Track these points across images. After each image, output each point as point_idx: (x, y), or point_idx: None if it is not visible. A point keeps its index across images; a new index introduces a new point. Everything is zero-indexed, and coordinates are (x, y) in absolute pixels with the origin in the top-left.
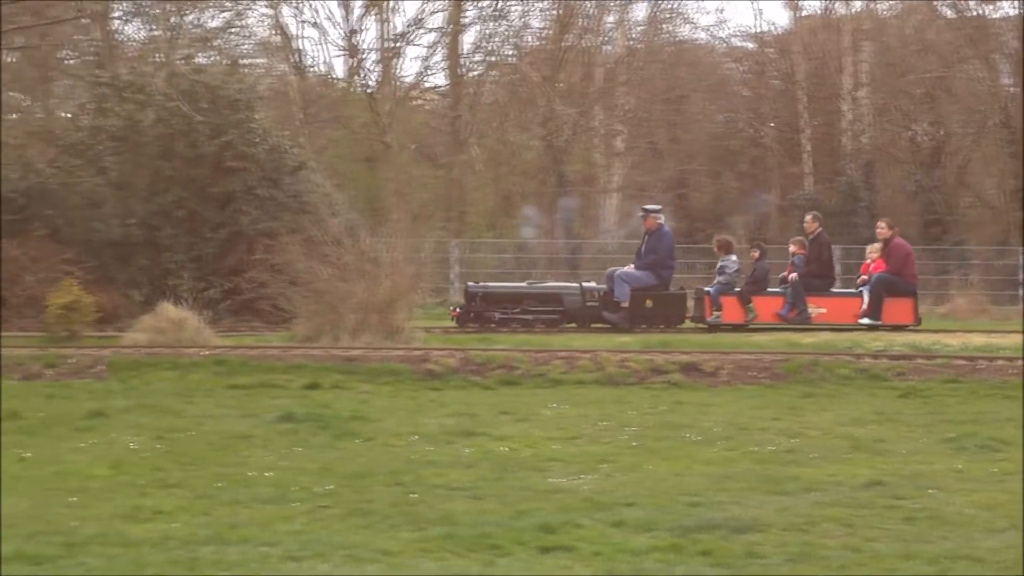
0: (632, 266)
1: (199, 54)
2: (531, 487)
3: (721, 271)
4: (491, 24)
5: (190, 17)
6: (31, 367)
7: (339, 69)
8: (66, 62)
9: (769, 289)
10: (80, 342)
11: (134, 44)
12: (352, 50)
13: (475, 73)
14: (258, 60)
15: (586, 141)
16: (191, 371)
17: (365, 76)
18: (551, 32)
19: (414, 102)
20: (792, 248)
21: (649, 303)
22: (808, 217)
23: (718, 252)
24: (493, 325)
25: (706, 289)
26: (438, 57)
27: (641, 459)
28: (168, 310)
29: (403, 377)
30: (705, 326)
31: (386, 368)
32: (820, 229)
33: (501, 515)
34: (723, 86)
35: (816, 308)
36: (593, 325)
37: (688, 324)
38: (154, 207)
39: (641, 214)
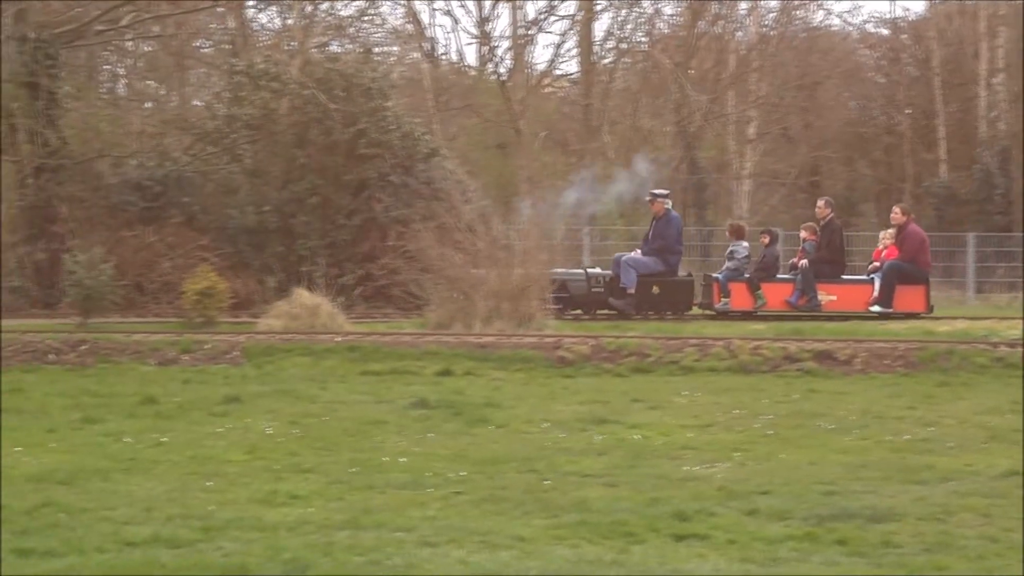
0: (639, 251)
1: (333, 42)
2: (664, 475)
3: (730, 256)
4: (623, 11)
5: (324, 5)
6: (167, 353)
7: (471, 57)
8: (201, 50)
9: (779, 276)
10: (215, 328)
11: (268, 32)
12: (484, 38)
13: (607, 60)
14: (391, 48)
15: (718, 127)
16: (325, 357)
17: (497, 64)
18: (683, 19)
19: (546, 89)
20: (803, 234)
21: (656, 289)
22: (820, 202)
23: (730, 237)
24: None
25: (714, 275)
26: (570, 44)
27: (775, 447)
28: (302, 296)
29: (535, 364)
30: (713, 313)
31: (518, 355)
32: (832, 215)
33: (635, 502)
34: (857, 72)
35: (826, 295)
36: (599, 312)
37: (696, 311)
38: (288, 194)
39: (648, 199)
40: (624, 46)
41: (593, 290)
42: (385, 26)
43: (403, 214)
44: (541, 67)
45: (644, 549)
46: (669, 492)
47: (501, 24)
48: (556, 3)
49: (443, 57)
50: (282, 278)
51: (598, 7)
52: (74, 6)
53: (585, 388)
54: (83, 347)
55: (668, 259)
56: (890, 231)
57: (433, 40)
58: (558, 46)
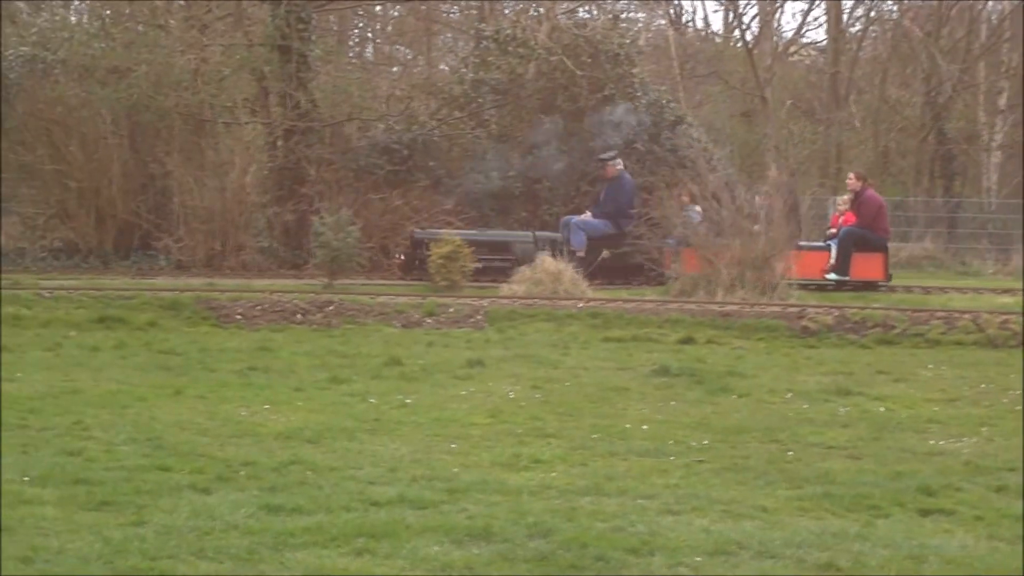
0: (589, 213)
1: (580, 8)
2: (909, 448)
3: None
4: None
5: None
6: (412, 315)
7: (717, 23)
8: (448, 15)
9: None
10: (459, 292)
11: None
12: (731, 4)
13: (855, 28)
14: (637, 15)
15: (968, 98)
16: (567, 323)
17: (744, 31)
18: None
19: (792, 57)
20: (759, 200)
21: (607, 253)
22: (852, 176)
23: (683, 202)
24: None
25: (667, 241)
26: (818, 12)
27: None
28: (546, 262)
29: (778, 333)
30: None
31: (761, 324)
32: (861, 185)
33: (879, 476)
34: None
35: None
36: None
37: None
38: (534, 160)
39: (598, 162)
40: (873, 14)
41: (540, 252)
42: None
43: (648, 181)
44: (788, 35)
45: (889, 523)
46: (914, 466)
47: None
48: None
49: (689, 24)
50: None
51: None
52: None
53: (829, 359)
54: (329, 308)
55: (620, 222)
56: (846, 196)
57: (679, 7)
58: (805, 13)
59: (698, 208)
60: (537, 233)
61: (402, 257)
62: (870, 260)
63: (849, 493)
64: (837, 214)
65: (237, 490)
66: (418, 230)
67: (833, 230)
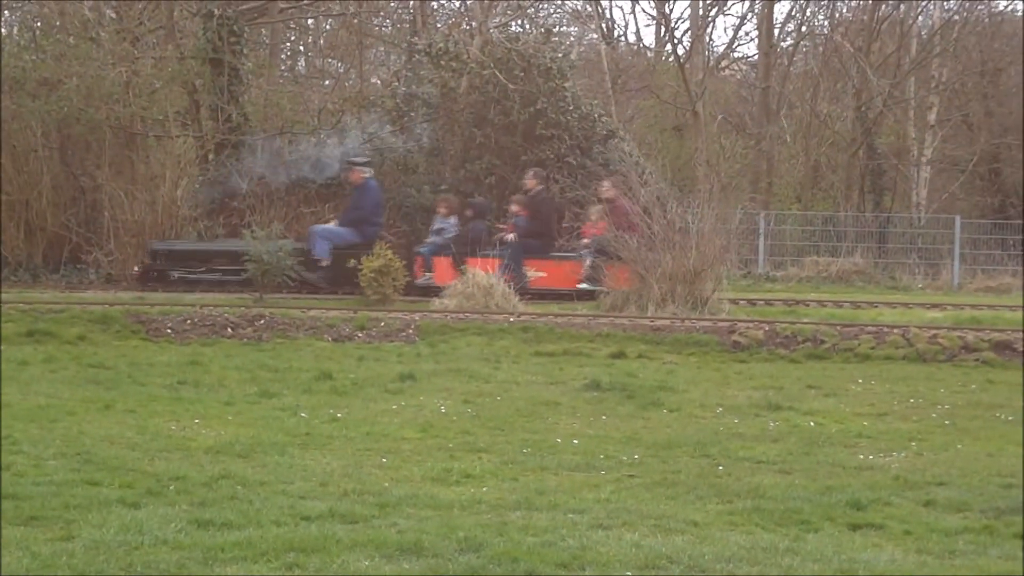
0: (335, 222)
1: (512, 22)
2: (839, 463)
3: (438, 232)
4: None
5: None
6: (343, 329)
7: (649, 38)
8: (381, 29)
9: (489, 251)
10: (391, 306)
11: (447, 12)
12: (663, 19)
13: (787, 43)
14: (570, 29)
15: (898, 113)
16: (498, 337)
17: (675, 45)
18: (865, 2)
19: (724, 72)
20: (513, 208)
21: (352, 262)
22: (528, 174)
23: (440, 213)
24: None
25: (419, 249)
26: (749, 27)
27: (952, 438)
28: (477, 276)
29: (709, 348)
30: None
31: (692, 339)
32: (541, 187)
33: (809, 490)
34: None
35: (535, 271)
36: (291, 285)
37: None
38: (466, 174)
39: (345, 167)
40: (804, 29)
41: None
42: (564, 7)
43: (579, 195)
44: (719, 49)
45: (819, 538)
46: (844, 480)
47: (680, 5)
48: None
49: (621, 38)
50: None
51: None
52: None
53: (759, 373)
54: (260, 322)
55: (365, 230)
56: (600, 207)
57: (611, 21)
58: (737, 28)
59: (454, 220)
60: (279, 243)
61: (139, 269)
62: (623, 269)
63: (779, 508)
64: (590, 224)
65: (167, 505)
66: (156, 241)
67: (586, 239)
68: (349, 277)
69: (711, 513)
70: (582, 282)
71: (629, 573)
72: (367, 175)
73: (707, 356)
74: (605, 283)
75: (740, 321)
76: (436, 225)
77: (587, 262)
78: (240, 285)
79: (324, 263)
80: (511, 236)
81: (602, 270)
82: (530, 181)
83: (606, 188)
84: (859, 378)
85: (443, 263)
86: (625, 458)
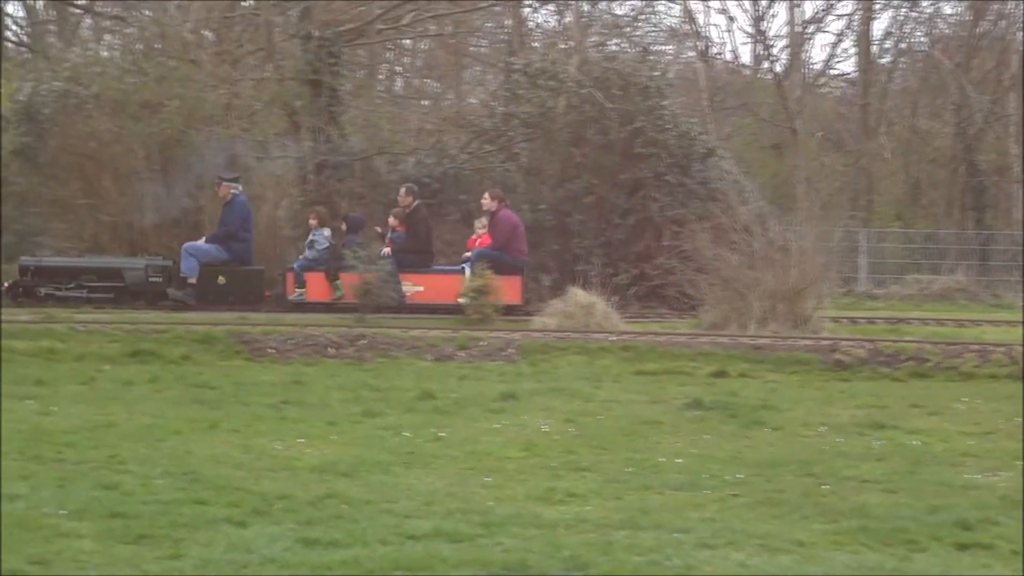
0: (204, 239)
1: (609, 41)
2: (945, 482)
3: (310, 246)
4: (903, 10)
5: (601, 4)
6: (444, 348)
7: (746, 56)
8: (478, 49)
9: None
10: (491, 325)
11: (544, 31)
12: (760, 36)
13: (885, 60)
14: (666, 47)
15: (999, 129)
16: (599, 356)
17: (773, 62)
18: (964, 18)
19: (822, 89)
20: (392, 222)
21: (221, 279)
22: (402, 190)
23: (311, 225)
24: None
25: (289, 265)
26: (847, 43)
27: None
28: (577, 295)
29: (811, 367)
30: (290, 303)
31: (794, 357)
32: (417, 202)
33: (915, 509)
34: None
35: (413, 286)
36: (162, 303)
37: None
38: (564, 193)
39: (216, 181)
40: (903, 46)
41: (151, 279)
42: (661, 25)
43: (679, 214)
44: (817, 66)
45: (926, 557)
46: (950, 500)
47: (777, 23)
48: (834, 2)
49: (718, 56)
50: (557, 276)
51: (877, 6)
52: (357, 5)
53: (862, 392)
54: (362, 341)
55: (232, 247)
56: (483, 219)
57: (708, 39)
58: (835, 45)
59: (327, 232)
60: (149, 260)
61: (7, 285)
62: (507, 283)
63: (885, 527)
64: (475, 236)
65: (273, 524)
66: (27, 257)
67: (469, 252)
68: (219, 294)
69: (816, 532)
70: (464, 296)
71: None
72: (236, 191)
73: (809, 375)
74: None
75: (842, 339)
76: (308, 238)
77: (468, 275)
78: (110, 302)
79: (191, 280)
80: (386, 251)
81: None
82: (404, 198)
83: (487, 200)
84: (963, 397)
85: (316, 279)
86: (729, 477)
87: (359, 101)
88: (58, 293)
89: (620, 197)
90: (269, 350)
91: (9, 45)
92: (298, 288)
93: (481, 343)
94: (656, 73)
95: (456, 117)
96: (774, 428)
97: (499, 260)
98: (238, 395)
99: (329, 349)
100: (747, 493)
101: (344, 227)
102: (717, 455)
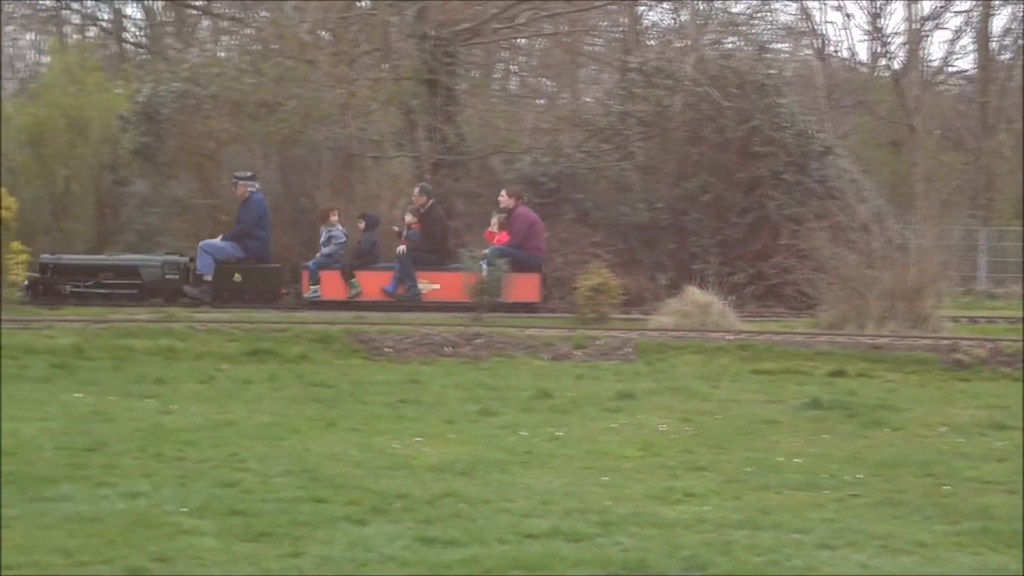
0: (220, 237)
1: (726, 39)
2: None
3: (326, 243)
4: (1022, 7)
5: (717, 2)
6: (560, 347)
7: (863, 53)
8: (593, 48)
9: (382, 264)
10: (608, 324)
11: (659, 30)
12: (877, 34)
13: (1005, 57)
14: (783, 46)
15: None
16: (716, 355)
17: (890, 60)
18: None
19: (940, 86)
20: (408, 219)
21: (237, 277)
22: (416, 190)
23: (321, 222)
24: (71, 299)
25: (305, 263)
26: (966, 40)
27: None
28: (694, 294)
29: (931, 366)
30: (306, 302)
31: (913, 357)
32: (432, 202)
33: None
34: None
35: (428, 284)
36: (181, 300)
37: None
38: (681, 192)
39: (232, 182)
40: (1022, 43)
41: (167, 277)
42: (777, 23)
43: (796, 212)
44: (935, 63)
45: None
46: None
47: (894, 20)
48: None
49: (835, 54)
50: (673, 275)
51: (996, 3)
52: (472, 5)
53: (983, 392)
54: (478, 340)
55: (248, 244)
56: (501, 216)
57: (824, 37)
58: (953, 42)
59: (340, 228)
60: (166, 257)
61: (27, 283)
62: (524, 281)
63: (1008, 528)
64: (491, 230)
65: (392, 522)
66: (46, 255)
67: (486, 251)
68: (234, 291)
69: (938, 533)
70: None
71: None
72: (252, 189)
73: (929, 374)
74: (508, 295)
75: (962, 339)
76: (323, 236)
77: (485, 273)
78: (130, 299)
79: (207, 278)
80: (401, 248)
81: (501, 281)
82: (419, 197)
83: (504, 197)
84: None
85: (331, 276)
86: (848, 477)
87: (475, 100)
88: (78, 291)
89: (737, 195)
90: (386, 349)
91: (128, 47)
92: (313, 286)
93: (598, 342)
94: (772, 71)
95: (572, 116)
96: (893, 428)
97: (516, 257)
98: (356, 394)
99: (445, 348)
100: (867, 493)
101: (362, 224)
102: (836, 455)
